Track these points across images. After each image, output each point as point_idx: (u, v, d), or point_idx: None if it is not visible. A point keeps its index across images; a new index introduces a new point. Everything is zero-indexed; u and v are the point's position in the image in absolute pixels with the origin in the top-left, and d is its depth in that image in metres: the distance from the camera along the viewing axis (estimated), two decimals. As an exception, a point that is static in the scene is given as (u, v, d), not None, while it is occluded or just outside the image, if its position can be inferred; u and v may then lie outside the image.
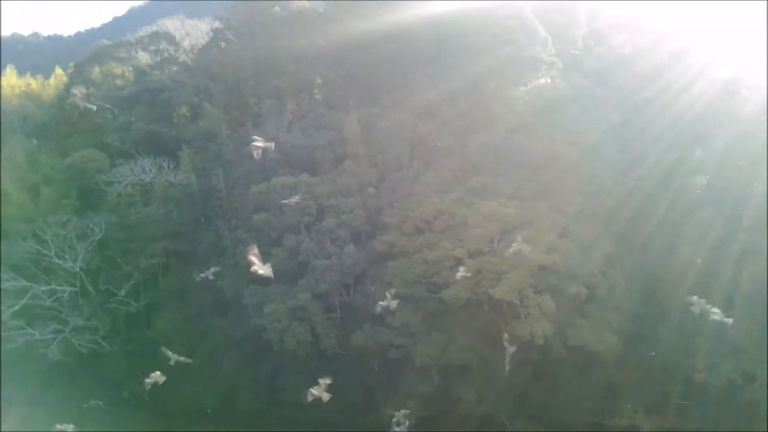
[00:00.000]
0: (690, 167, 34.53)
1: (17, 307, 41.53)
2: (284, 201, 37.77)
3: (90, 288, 44.35)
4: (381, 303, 30.99)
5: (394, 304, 30.90)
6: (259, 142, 19.42)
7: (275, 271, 39.85)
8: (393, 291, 32.10)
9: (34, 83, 79.39)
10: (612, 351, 30.58)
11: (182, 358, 27.31)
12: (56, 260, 43.73)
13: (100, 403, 35.10)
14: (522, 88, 41.70)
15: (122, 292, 44.33)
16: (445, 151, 42.60)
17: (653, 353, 29.57)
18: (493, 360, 33.28)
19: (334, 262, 38.58)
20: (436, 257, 35.66)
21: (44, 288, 42.87)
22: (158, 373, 25.39)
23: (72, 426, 26.47)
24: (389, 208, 40.00)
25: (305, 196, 40.11)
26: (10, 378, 39.29)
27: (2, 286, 41.51)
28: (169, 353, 26.85)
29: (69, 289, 42.67)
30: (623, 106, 37.07)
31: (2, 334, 40.03)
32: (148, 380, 25.18)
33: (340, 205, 40.70)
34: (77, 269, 43.83)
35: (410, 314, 35.67)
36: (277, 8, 59.98)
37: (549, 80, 41.65)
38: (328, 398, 24.42)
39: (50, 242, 44.20)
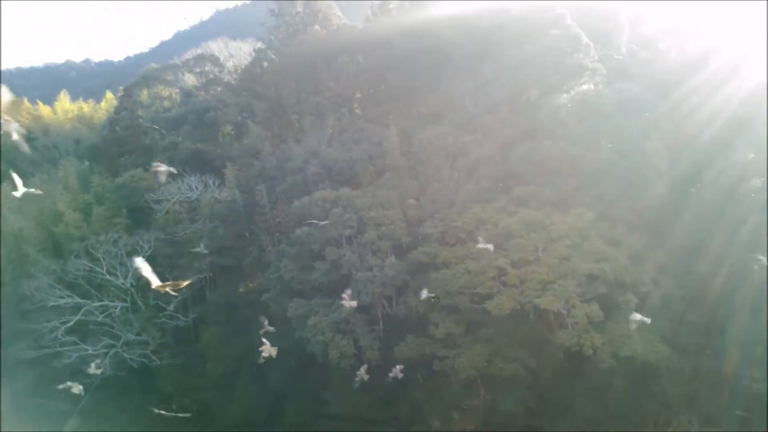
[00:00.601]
0: (743, 171, 33.19)
1: (71, 323, 43.08)
2: (321, 222, 38.00)
3: (140, 303, 45.69)
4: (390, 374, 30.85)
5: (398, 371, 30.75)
6: (161, 167, 19.58)
7: (318, 284, 40.55)
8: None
9: (86, 107, 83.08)
10: (665, 361, 29.47)
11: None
12: (108, 277, 45.23)
13: (161, 412, 35.55)
14: (565, 96, 41.07)
15: (171, 307, 45.47)
16: (487, 161, 42.20)
17: (709, 364, 28.28)
18: (540, 371, 32.51)
19: (376, 273, 38.51)
20: (479, 267, 35.21)
21: (97, 304, 44.31)
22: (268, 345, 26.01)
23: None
24: (430, 219, 39.78)
25: (346, 209, 40.39)
26: (65, 392, 40.66)
27: (58, 303, 43.15)
28: None
29: (120, 304, 44.04)
30: (673, 111, 35.98)
31: (58, 349, 41.47)
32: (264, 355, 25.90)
33: (380, 217, 40.71)
34: (128, 285, 45.21)
35: (453, 325, 35.34)
36: (317, 27, 61.19)
37: (593, 87, 40.93)
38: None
39: (102, 259, 45.78)
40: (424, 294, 30.71)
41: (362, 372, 30.67)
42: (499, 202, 38.26)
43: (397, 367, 30.62)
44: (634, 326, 25.51)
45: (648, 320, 23.91)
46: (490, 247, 31.36)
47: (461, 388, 33.84)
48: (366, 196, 42.38)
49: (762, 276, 29.01)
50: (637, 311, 30.87)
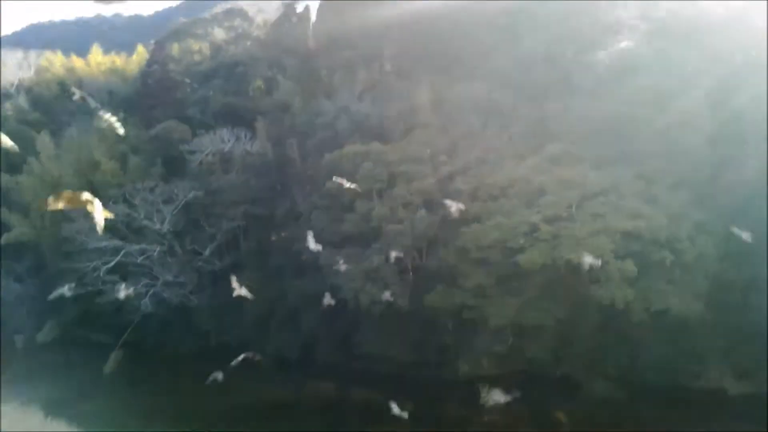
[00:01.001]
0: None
1: (112, 264, 44.71)
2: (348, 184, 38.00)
3: (177, 248, 47.10)
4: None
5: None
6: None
7: (349, 235, 41.42)
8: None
9: (118, 60, 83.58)
10: (698, 317, 29.86)
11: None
12: (145, 222, 46.60)
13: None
14: (602, 53, 40.67)
15: (206, 252, 46.80)
16: (520, 118, 42.20)
17: (746, 320, 28.61)
18: (570, 322, 33.22)
19: (406, 227, 39.20)
20: (512, 224, 35.56)
21: (136, 247, 45.75)
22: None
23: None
24: (462, 175, 40.11)
25: (376, 164, 40.86)
26: (111, 326, 42.62)
27: (99, 246, 44.71)
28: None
29: (158, 248, 45.33)
30: (716, 69, 35.52)
31: (100, 287, 43.21)
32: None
33: (411, 171, 41.17)
34: (165, 230, 46.56)
35: (484, 277, 35.96)
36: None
37: (631, 44, 40.44)
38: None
39: (139, 206, 47.07)
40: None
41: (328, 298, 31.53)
42: (532, 160, 38.42)
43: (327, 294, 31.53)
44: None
45: None
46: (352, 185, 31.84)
47: (490, 335, 34.67)
48: (396, 151, 42.77)
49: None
50: (673, 268, 31.30)
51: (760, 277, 29.53)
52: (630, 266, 30.79)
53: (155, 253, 45.17)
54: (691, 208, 33.38)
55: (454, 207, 34.09)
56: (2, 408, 35.65)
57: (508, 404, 31.55)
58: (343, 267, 38.29)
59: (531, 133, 41.28)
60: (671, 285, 30.87)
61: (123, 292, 36.54)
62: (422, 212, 39.83)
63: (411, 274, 39.63)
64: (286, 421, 32.90)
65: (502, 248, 35.65)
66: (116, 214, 46.67)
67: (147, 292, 43.83)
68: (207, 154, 52.61)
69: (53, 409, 39.24)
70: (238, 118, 56.36)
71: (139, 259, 45.22)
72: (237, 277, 44.75)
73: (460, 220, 38.02)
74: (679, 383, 30.54)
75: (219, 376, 29.83)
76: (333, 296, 39.64)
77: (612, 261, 31.29)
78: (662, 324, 30.64)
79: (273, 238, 44.04)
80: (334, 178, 34.87)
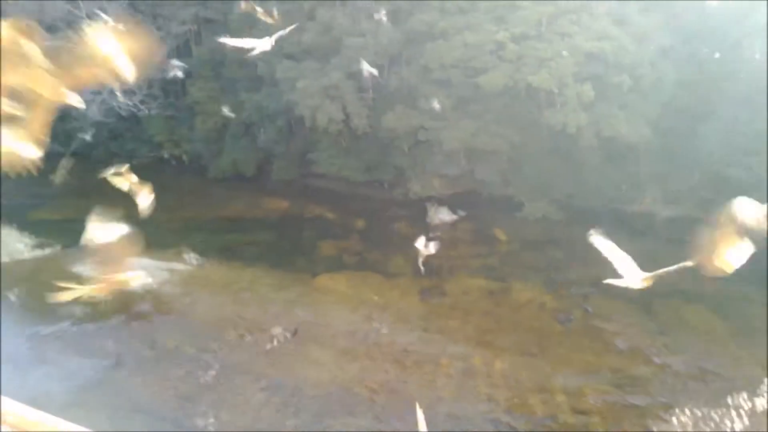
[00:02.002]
0: None
1: (55, 69, 42.10)
2: None
3: (123, 51, 44.21)
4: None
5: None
6: None
7: (309, 47, 39.32)
8: None
9: None
10: (645, 143, 30.30)
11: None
12: (88, 21, 43.02)
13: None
14: None
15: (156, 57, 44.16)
16: None
17: (688, 147, 29.12)
18: (522, 147, 33.44)
19: (369, 40, 37.17)
20: (477, 40, 34.10)
21: (79, 49, 42.80)
22: None
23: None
24: (431, -15, 37.12)
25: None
26: (58, 134, 41.34)
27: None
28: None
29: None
30: None
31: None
32: None
33: (376, -20, 37.88)
34: (107, 30, 43.26)
35: (443, 99, 35.24)
36: None
37: None
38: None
39: (81, 3, 43.13)
40: None
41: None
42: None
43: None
44: None
45: None
46: None
47: (443, 158, 34.96)
48: (361, -43, 38.90)
49: (760, 67, 28.51)
50: (630, 93, 30.99)
51: (711, 104, 29.42)
52: (588, 90, 30.44)
53: (102, 58, 42.39)
54: (658, 31, 32.07)
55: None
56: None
57: (453, 222, 32.98)
58: (301, 83, 37.06)
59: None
60: (624, 110, 30.81)
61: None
62: (387, 25, 37.58)
63: (371, 93, 38.44)
64: (238, 233, 33.95)
65: (465, 68, 34.70)
66: (56, 11, 43.03)
67: (94, 99, 41.95)
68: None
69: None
70: None
71: (84, 64, 42.56)
72: (189, 87, 43.51)
73: (426, 36, 36.21)
74: (615, 207, 31.86)
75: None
76: (290, 113, 38.92)
77: (571, 84, 30.86)
78: (609, 149, 31.14)
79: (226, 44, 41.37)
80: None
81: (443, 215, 33.00)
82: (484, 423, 18.72)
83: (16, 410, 3.49)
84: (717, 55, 27.87)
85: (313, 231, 34.51)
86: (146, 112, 42.77)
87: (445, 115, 35.23)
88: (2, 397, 3.55)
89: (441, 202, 33.94)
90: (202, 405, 20.44)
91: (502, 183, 34.47)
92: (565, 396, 19.62)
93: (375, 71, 32.26)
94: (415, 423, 21.00)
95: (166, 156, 44.32)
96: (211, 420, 19.43)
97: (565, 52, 31.00)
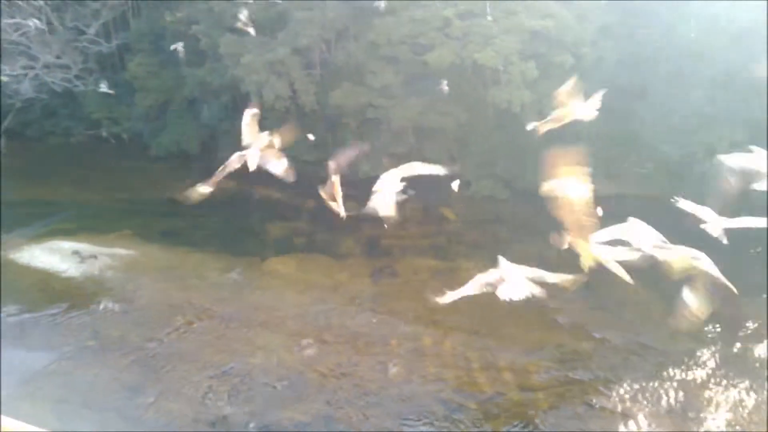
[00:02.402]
0: None
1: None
2: None
3: (57, 24, 41.79)
4: None
5: None
6: None
7: (253, 21, 38.18)
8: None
9: None
10: (585, 121, 30.95)
11: None
12: (18, -6, 40.38)
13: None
14: None
15: (91, 31, 41.87)
16: None
17: (625, 126, 30.03)
18: (469, 125, 33.70)
19: (316, 14, 36.39)
20: (425, 16, 33.93)
21: (9, 21, 40.14)
22: None
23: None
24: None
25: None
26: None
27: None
28: None
29: (34, 21, 39.91)
30: None
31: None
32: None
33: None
34: (41, 2, 40.76)
35: (391, 76, 35.08)
36: None
37: None
38: None
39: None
40: None
41: None
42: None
43: None
44: None
45: None
46: None
47: (392, 136, 34.86)
48: None
49: (694, 47, 29.48)
50: (571, 72, 31.50)
51: (648, 83, 30.33)
52: (532, 68, 30.86)
53: (32, 29, 39.91)
54: (599, 10, 32.72)
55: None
56: None
57: (402, 202, 32.98)
58: (245, 58, 36.04)
59: None
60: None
61: None
62: (334, -1, 36.85)
63: (318, 69, 37.80)
64: (183, 216, 33.05)
65: (413, 44, 34.55)
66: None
67: (26, 74, 39.64)
68: None
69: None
70: None
71: (14, 36, 40.00)
72: (128, 62, 41.61)
73: (373, 12, 35.76)
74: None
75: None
76: (235, 89, 37.87)
77: (516, 62, 31.21)
78: (552, 129, 31.58)
79: (168, 18, 39.61)
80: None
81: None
82: (434, 403, 19.18)
83: (16, 428, 3.37)
84: (654, 35, 28.62)
85: (261, 212, 34.01)
86: (82, 88, 40.72)
87: (394, 93, 35.12)
88: (2, 416, 3.43)
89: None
90: (149, 395, 20.12)
91: (449, 161, 34.71)
92: (511, 373, 20.28)
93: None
94: (368, 406, 21.03)
95: (104, 134, 42.32)
96: (159, 411, 19.16)
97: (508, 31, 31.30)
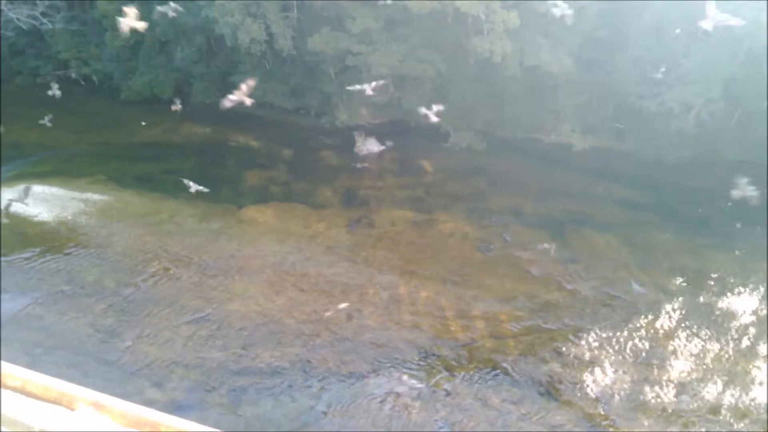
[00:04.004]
0: None
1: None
2: None
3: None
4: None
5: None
6: None
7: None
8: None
9: None
10: (565, 73, 30.95)
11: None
12: None
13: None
14: None
15: (57, -37, 39.82)
16: None
17: (604, 79, 30.02)
18: (449, 75, 33.31)
19: (294, -48, 35.04)
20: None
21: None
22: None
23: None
24: None
25: None
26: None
27: None
28: None
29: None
30: None
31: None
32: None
33: None
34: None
35: (371, 21, 34.19)
36: None
37: None
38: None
39: None
40: None
41: None
42: None
43: None
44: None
45: None
46: None
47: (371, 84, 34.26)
48: None
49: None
50: (554, 24, 31.21)
51: (627, 35, 30.17)
52: (514, 18, 30.39)
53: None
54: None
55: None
56: None
57: (381, 153, 32.93)
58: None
59: None
60: (548, 39, 31.15)
61: None
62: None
63: (295, 12, 36.61)
64: (157, 161, 32.51)
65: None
66: None
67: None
68: None
69: None
70: None
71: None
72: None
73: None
74: (535, 137, 32.87)
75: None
76: (209, 30, 36.60)
77: (498, 11, 30.68)
78: (531, 80, 31.60)
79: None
80: None
81: (371, 145, 32.82)
82: (408, 349, 19.64)
83: (17, 373, 3.39)
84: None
85: (238, 160, 33.51)
86: (49, 26, 38.88)
87: (373, 39, 34.35)
88: (2, 362, 3.45)
89: (369, 131, 33.62)
90: (125, 340, 20.20)
91: (429, 113, 34.47)
92: (484, 322, 20.80)
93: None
94: (344, 351, 21.46)
95: (73, 75, 40.76)
96: (136, 355, 19.30)
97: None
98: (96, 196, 28.63)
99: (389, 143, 32.97)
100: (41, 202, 27.62)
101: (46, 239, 25.20)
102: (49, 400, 3.28)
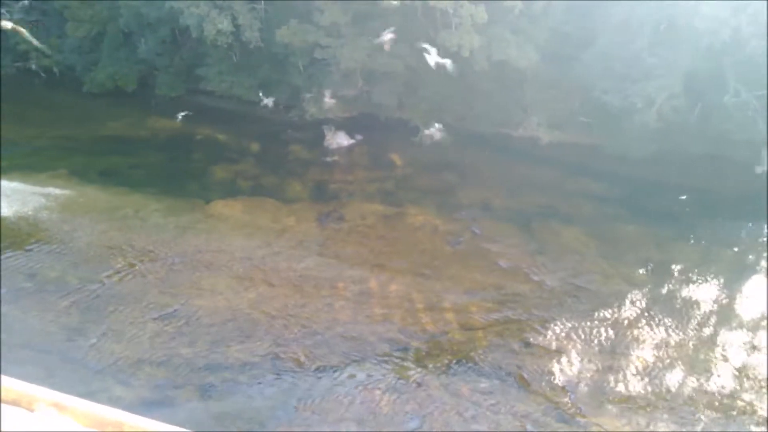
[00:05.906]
0: None
1: None
2: None
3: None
4: None
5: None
6: None
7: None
8: None
9: None
10: (532, 68, 31.34)
11: None
12: None
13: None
14: None
15: (16, -48, 38.52)
16: None
17: (570, 73, 30.47)
18: (417, 69, 33.36)
19: (261, -56, 34.60)
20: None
21: None
22: None
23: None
24: None
25: None
26: None
27: None
28: None
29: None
30: None
31: None
32: None
33: None
34: None
35: (340, 14, 33.99)
36: None
37: None
38: None
39: None
40: None
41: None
42: None
43: None
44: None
45: None
46: None
47: (341, 78, 34.15)
48: None
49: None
50: (520, 18, 31.57)
51: (593, 30, 30.66)
52: (482, 12, 30.63)
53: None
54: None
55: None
56: None
57: (350, 146, 32.88)
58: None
59: None
60: (516, 35, 31.48)
61: None
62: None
63: (263, 3, 36.17)
64: (121, 155, 31.85)
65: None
66: None
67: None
68: None
69: None
70: None
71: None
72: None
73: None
74: (503, 131, 33.19)
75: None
76: (174, 21, 35.94)
77: (467, 5, 30.86)
78: (500, 75, 31.91)
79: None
80: None
81: (341, 139, 32.71)
82: (379, 342, 19.71)
83: (14, 387, 3.27)
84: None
85: (205, 153, 33.04)
86: (8, 16, 37.62)
87: (342, 32, 34.18)
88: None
89: (338, 125, 33.50)
90: (90, 337, 19.82)
91: (398, 107, 34.55)
92: (454, 314, 20.99)
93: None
94: (315, 345, 21.51)
95: (33, 67, 39.57)
96: (101, 353, 18.94)
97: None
98: (58, 191, 27.91)
99: (359, 137, 32.93)
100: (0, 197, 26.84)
101: (6, 235, 24.48)
102: (8, 401, 3.19)
